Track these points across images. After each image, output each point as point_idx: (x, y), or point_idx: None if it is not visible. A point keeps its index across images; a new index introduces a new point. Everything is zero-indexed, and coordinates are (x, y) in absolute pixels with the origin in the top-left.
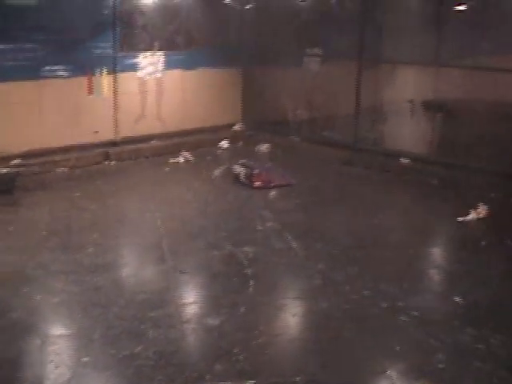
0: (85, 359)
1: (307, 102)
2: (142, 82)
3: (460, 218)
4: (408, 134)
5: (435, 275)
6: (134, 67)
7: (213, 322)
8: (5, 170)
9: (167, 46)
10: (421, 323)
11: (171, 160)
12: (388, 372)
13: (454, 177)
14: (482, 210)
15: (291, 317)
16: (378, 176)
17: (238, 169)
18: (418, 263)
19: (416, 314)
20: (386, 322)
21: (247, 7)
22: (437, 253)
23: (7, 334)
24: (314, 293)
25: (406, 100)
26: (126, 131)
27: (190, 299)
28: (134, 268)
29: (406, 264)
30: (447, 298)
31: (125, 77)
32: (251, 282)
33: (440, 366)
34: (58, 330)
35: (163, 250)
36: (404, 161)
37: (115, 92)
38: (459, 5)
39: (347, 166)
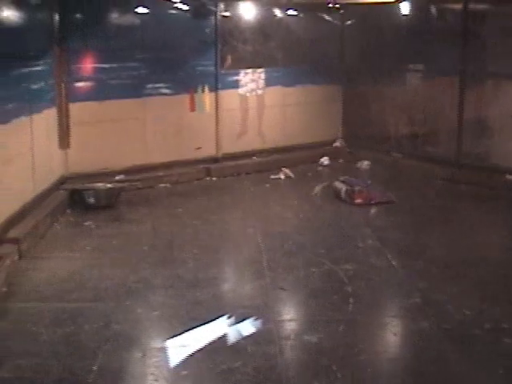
0: (184, 372)
1: (409, 117)
2: (243, 99)
3: None
4: None
5: None
6: (235, 84)
7: (311, 338)
8: (109, 185)
9: (268, 63)
10: None
11: (272, 176)
12: None
13: None
14: None
15: (391, 335)
16: (482, 193)
17: (339, 185)
18: None
19: None
20: (489, 344)
21: (348, 23)
22: None
23: (110, 345)
24: (414, 312)
25: (511, 115)
26: (228, 147)
27: (289, 315)
28: (233, 283)
29: (510, 284)
30: None
31: (226, 94)
32: (351, 300)
33: None
34: (158, 343)
35: (263, 266)
36: (510, 177)
37: (217, 109)
38: None
39: (450, 183)
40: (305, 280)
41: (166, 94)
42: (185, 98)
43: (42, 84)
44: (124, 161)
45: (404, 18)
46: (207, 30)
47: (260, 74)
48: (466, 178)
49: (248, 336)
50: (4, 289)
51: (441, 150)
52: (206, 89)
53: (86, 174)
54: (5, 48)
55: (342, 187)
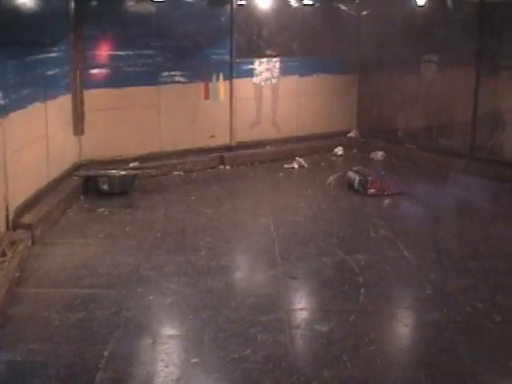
0: (194, 360)
1: (423, 109)
2: (258, 88)
3: None
4: None
5: None
6: (250, 73)
7: (322, 328)
8: (123, 173)
9: (283, 52)
10: None
11: (286, 166)
12: None
13: None
14: None
15: (402, 326)
16: (495, 186)
17: (352, 176)
18: None
19: None
20: (500, 337)
21: (364, 13)
22: None
23: (121, 331)
24: (425, 303)
25: None
26: (241, 136)
27: (300, 305)
28: (245, 272)
29: None
30: None
31: (241, 83)
32: (362, 290)
33: None
34: (169, 331)
35: (275, 255)
36: None
37: (231, 98)
38: None
39: (463, 175)
40: (317, 269)
41: (180, 82)
42: (199, 86)
43: (57, 70)
44: (138, 148)
45: (419, 8)
46: (223, 19)
47: (275, 64)
48: (479, 171)
49: (259, 324)
50: (17, 274)
51: (455, 142)
52: (221, 77)
53: (99, 161)
54: (21, 34)
55: (356, 177)
